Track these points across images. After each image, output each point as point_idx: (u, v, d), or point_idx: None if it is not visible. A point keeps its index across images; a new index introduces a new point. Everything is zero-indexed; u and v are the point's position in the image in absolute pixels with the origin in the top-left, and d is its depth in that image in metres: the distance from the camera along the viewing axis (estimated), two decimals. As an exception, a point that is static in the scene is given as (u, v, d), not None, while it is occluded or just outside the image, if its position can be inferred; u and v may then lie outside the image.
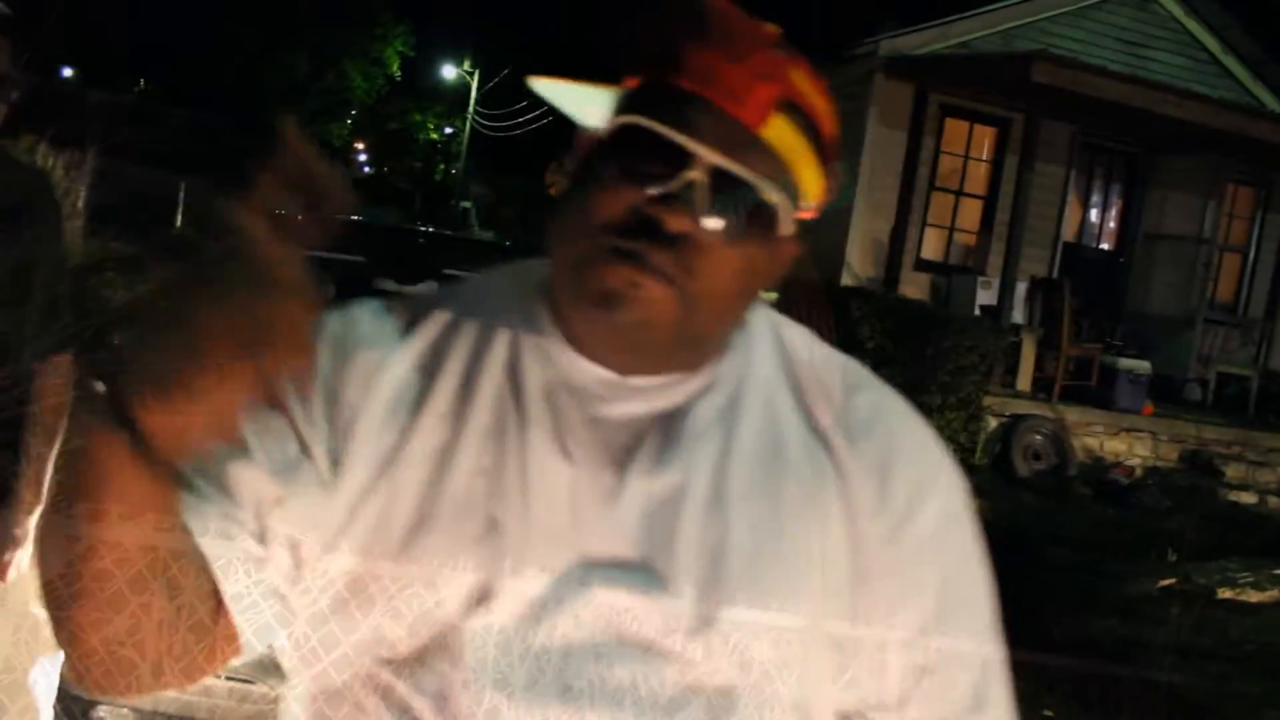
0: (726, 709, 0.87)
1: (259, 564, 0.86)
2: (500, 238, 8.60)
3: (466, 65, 42.47)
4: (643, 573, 0.87)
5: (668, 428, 0.90)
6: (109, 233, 14.73)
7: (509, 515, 0.87)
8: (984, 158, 12.03)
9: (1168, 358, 11.65)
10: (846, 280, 11.13)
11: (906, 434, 0.97)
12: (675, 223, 0.83)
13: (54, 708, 2.80)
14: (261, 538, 0.86)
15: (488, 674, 0.85)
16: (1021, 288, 10.55)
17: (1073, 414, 9.75)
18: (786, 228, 0.88)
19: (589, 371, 0.90)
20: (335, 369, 0.91)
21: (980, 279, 10.99)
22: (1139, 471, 9.72)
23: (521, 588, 0.86)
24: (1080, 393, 10.14)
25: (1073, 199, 12.33)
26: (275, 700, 2.80)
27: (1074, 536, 7.93)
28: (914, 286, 11.41)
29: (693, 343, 0.90)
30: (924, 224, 11.74)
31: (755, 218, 0.86)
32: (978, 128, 11.96)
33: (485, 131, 41.70)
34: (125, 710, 2.87)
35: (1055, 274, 11.59)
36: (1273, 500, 9.85)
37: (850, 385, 0.97)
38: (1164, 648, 5.80)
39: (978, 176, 12.03)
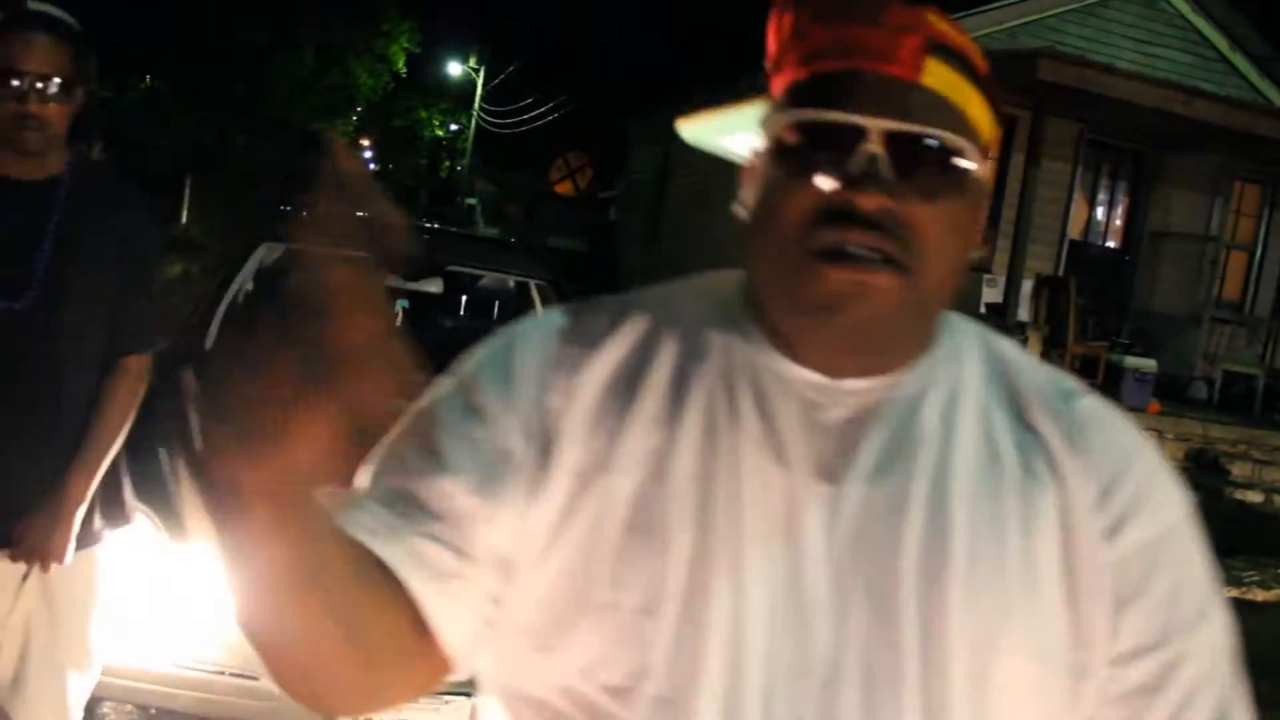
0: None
1: (463, 582, 0.85)
2: (505, 234, 8.60)
3: (472, 62, 42.47)
4: (862, 582, 0.84)
5: (884, 432, 0.87)
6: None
7: (721, 522, 0.84)
8: (989, 155, 12.01)
9: (1174, 356, 11.62)
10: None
11: (1127, 444, 0.93)
12: (869, 201, 0.81)
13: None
14: (464, 554, 0.85)
15: (703, 696, 0.82)
16: (1027, 286, 10.52)
17: (1079, 412, 9.73)
18: (976, 173, 0.87)
19: (801, 376, 0.88)
20: (532, 378, 0.89)
21: (986, 277, 10.97)
22: (1145, 470, 9.70)
23: (734, 599, 0.83)
24: (1086, 391, 10.12)
25: (1079, 197, 12.30)
26: (278, 696, 2.79)
27: (1079, 535, 7.92)
28: (919, 284, 11.40)
29: (914, 331, 0.89)
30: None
31: (945, 169, 0.84)
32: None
33: (490, 128, 41.71)
34: (129, 707, 2.87)
35: (1061, 272, 11.56)
36: (1279, 499, 9.82)
37: (1066, 393, 0.93)
38: (1170, 646, 5.79)
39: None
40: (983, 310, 10.21)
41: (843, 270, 0.81)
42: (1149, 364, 10.25)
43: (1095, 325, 10.98)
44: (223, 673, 2.83)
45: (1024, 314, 10.35)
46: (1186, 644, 0.88)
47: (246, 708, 2.83)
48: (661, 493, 0.85)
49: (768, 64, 0.91)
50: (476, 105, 40.68)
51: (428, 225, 7.31)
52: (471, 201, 33.51)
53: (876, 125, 0.81)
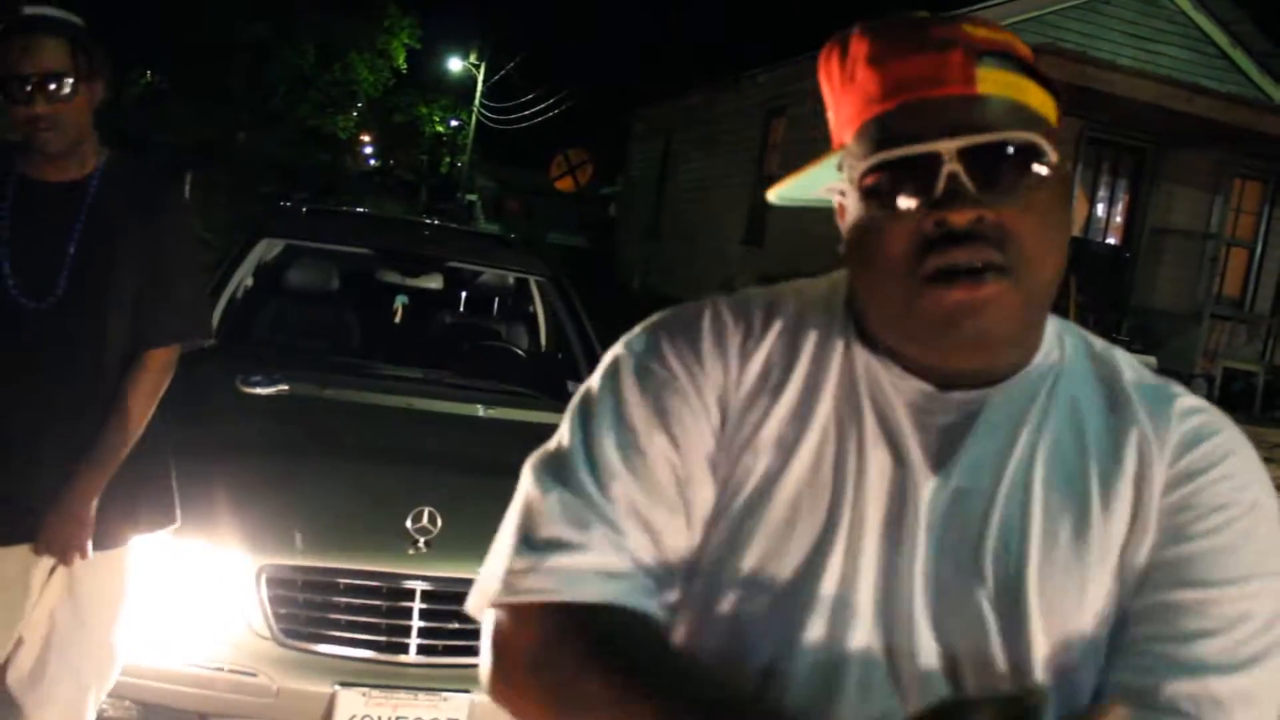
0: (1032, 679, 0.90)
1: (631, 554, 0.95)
2: (506, 230, 8.59)
3: (473, 58, 42.45)
4: (952, 561, 0.93)
5: (984, 434, 0.95)
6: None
7: (843, 504, 0.94)
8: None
9: (1174, 353, 11.62)
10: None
11: (1231, 458, 0.97)
12: (961, 218, 0.87)
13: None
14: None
15: (813, 644, 0.92)
16: (1027, 282, 10.53)
17: (1079, 409, 9.72)
18: (1057, 160, 0.92)
19: (914, 386, 0.97)
20: (713, 362, 1.00)
21: (986, 274, 10.98)
22: (1145, 467, 9.70)
23: (847, 570, 0.93)
24: (1086, 388, 10.11)
25: (1079, 193, 12.28)
26: (276, 693, 2.80)
27: (1079, 531, 7.91)
28: (920, 281, 11.39)
29: (1024, 333, 0.96)
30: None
31: (1024, 166, 0.89)
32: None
33: (491, 124, 41.70)
34: (128, 703, 2.87)
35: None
36: None
37: (1177, 402, 0.99)
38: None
39: (984, 171, 12.02)
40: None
41: (956, 289, 0.87)
42: (1149, 361, 10.24)
43: (1095, 322, 10.97)
44: (221, 669, 2.83)
45: (1024, 311, 10.36)
46: (1243, 592, 0.92)
47: (245, 704, 2.83)
48: (789, 476, 0.96)
49: (828, 111, 0.99)
50: (477, 101, 40.67)
51: (428, 221, 7.31)
52: (472, 198, 33.50)
53: (949, 147, 0.87)
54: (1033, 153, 0.90)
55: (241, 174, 22.57)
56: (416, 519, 3.00)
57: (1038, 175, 0.90)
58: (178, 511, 2.61)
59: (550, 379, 4.41)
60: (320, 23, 29.08)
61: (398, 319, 5.43)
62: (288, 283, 4.97)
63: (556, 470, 0.99)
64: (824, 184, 1.00)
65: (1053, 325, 1.02)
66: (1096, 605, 0.93)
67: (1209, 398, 6.13)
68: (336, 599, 2.94)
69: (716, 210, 15.81)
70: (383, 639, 2.91)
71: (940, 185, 0.87)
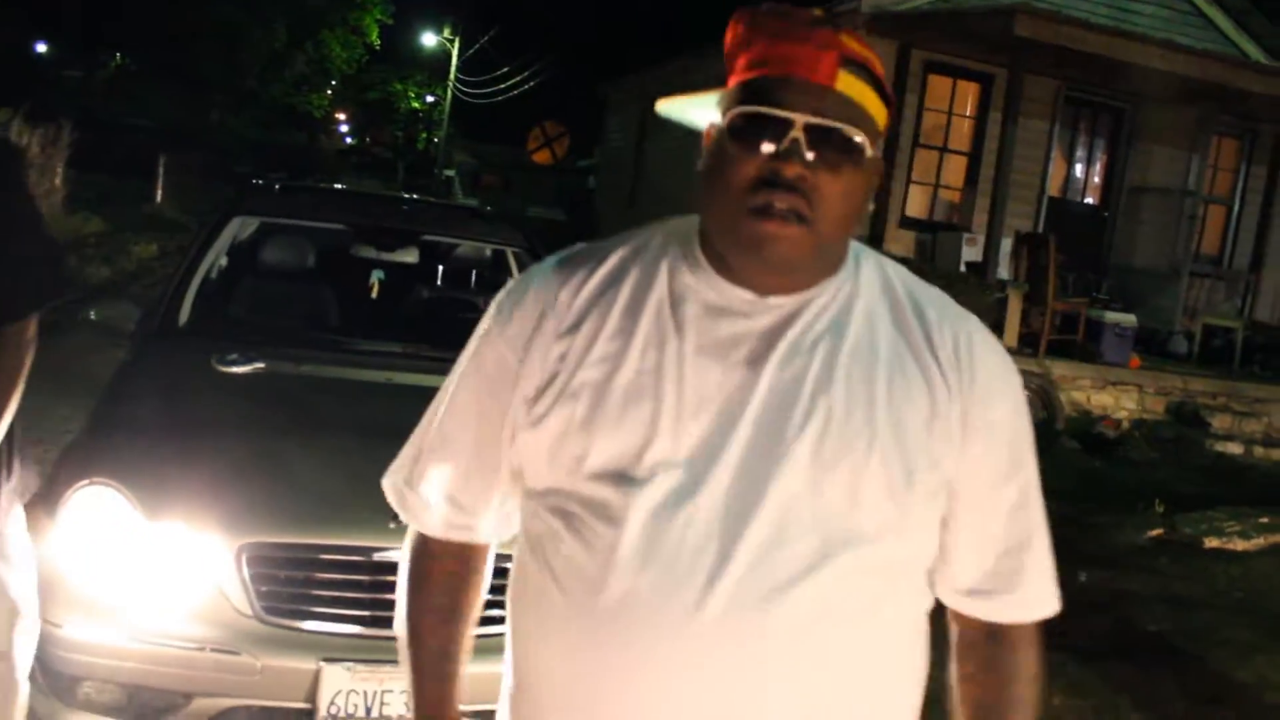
0: (842, 558, 1.17)
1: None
2: (484, 205, 8.54)
3: (446, 33, 42.11)
4: (769, 439, 1.18)
5: (794, 334, 1.21)
6: (88, 209, 14.63)
7: (666, 392, 1.19)
8: (968, 114, 11.98)
9: (1154, 311, 11.67)
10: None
11: (984, 346, 1.28)
12: (790, 171, 1.14)
13: (41, 684, 2.80)
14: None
15: (641, 503, 1.18)
16: (1007, 244, 10.53)
17: (1060, 368, 9.76)
18: (871, 154, 1.18)
19: (737, 295, 1.22)
20: (533, 310, 1.27)
21: (965, 235, 10.98)
22: (1126, 424, 9.75)
23: (675, 445, 1.18)
24: (1067, 347, 10.15)
25: (1057, 154, 12.30)
26: (261, 671, 2.79)
27: (1062, 490, 7.93)
28: (899, 244, 11.38)
29: (817, 262, 1.22)
30: (909, 181, 11.71)
31: (849, 151, 1.16)
32: (961, 83, 11.90)
33: (467, 99, 41.42)
34: (112, 686, 2.85)
35: (1040, 229, 11.58)
36: (1258, 450, 9.89)
37: (944, 313, 1.28)
38: (1153, 598, 5.83)
39: (962, 133, 11.99)
40: (963, 269, 10.22)
41: (768, 223, 1.15)
42: (1129, 319, 10.28)
43: (1075, 281, 11.01)
44: (204, 649, 2.81)
45: (1004, 272, 10.37)
46: (1009, 485, 1.27)
47: (229, 683, 2.82)
48: (617, 383, 1.21)
49: (726, 60, 1.22)
50: (452, 76, 40.37)
51: (405, 196, 7.26)
52: (449, 173, 33.32)
53: (800, 119, 1.14)
54: (855, 144, 1.16)
55: (216, 155, 22.38)
56: (396, 492, 2.98)
57: (853, 161, 1.17)
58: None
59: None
60: (291, 0, 28.80)
61: (374, 294, 5.39)
62: (262, 261, 4.92)
63: (433, 408, 1.43)
64: (698, 111, 1.27)
65: (853, 253, 1.28)
66: (882, 469, 1.18)
67: (1189, 355, 6.27)
68: (318, 575, 2.92)
69: (694, 180, 15.77)
70: (366, 613, 2.89)
71: (784, 143, 1.14)
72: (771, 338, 1.21)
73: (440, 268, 5.71)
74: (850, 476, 1.18)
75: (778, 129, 1.14)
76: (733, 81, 1.20)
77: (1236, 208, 13.18)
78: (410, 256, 5.47)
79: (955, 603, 1.31)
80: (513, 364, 1.27)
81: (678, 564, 1.15)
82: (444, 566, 1.42)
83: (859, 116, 1.16)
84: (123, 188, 18.06)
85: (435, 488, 1.37)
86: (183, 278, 4.33)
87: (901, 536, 1.21)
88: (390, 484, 1.45)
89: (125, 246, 13.34)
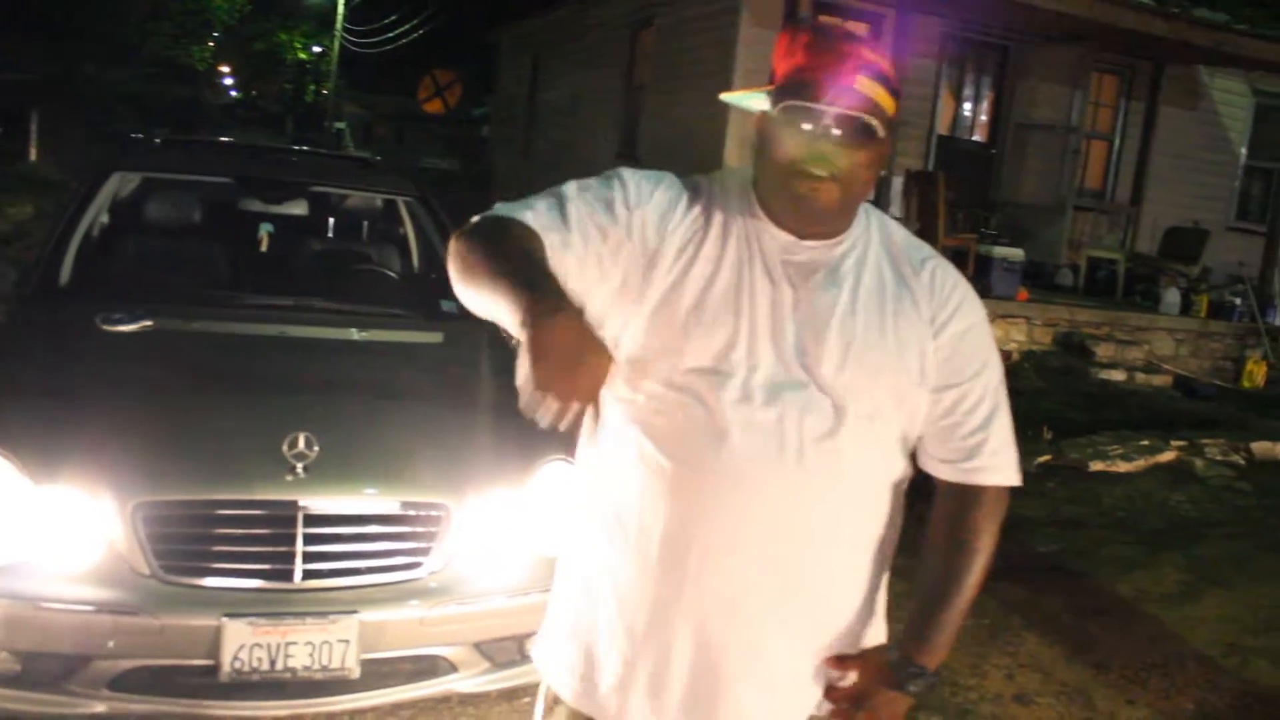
0: (856, 427, 1.62)
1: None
2: (374, 156, 8.38)
3: (331, -20, 40.96)
4: (818, 351, 1.63)
5: (826, 269, 1.67)
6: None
7: (743, 306, 1.63)
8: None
9: (1040, 245, 11.97)
10: (727, 182, 11.13)
11: (956, 282, 1.73)
12: (826, 147, 1.57)
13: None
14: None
15: (729, 392, 1.60)
16: (898, 182, 10.69)
17: (951, 303, 9.95)
18: (882, 134, 1.60)
19: (782, 237, 1.66)
20: (662, 204, 1.67)
21: (858, 175, 11.09)
22: (1016, 355, 10.02)
23: (750, 348, 1.62)
24: (958, 282, 10.35)
25: (945, 92, 12.48)
26: (161, 630, 2.75)
27: (955, 421, 8.16)
28: (794, 186, 11.47)
29: (841, 215, 1.67)
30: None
31: (867, 135, 1.59)
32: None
33: (355, 49, 40.44)
34: (4, 654, 2.79)
35: (930, 167, 11.77)
36: (1140, 376, 10.26)
37: (927, 254, 1.75)
38: (1043, 520, 6.05)
39: (852, 73, 12.09)
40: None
41: (811, 182, 1.59)
42: (1017, 253, 10.54)
43: (964, 218, 11.23)
44: (102, 611, 2.77)
45: (896, 210, 10.53)
46: (969, 359, 1.70)
47: (129, 644, 2.78)
48: (713, 292, 1.63)
49: (774, 63, 1.67)
50: (339, 25, 39.34)
51: (295, 148, 7.10)
52: (340, 125, 32.61)
53: (832, 110, 1.57)
54: (870, 127, 1.58)
55: (93, 111, 21.56)
56: (293, 444, 2.96)
57: (870, 140, 1.59)
58: None
59: (423, 299, 4.35)
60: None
61: (264, 247, 5.29)
62: (146, 217, 4.80)
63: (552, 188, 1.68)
64: (754, 102, 1.67)
65: (863, 211, 1.72)
66: (888, 377, 1.64)
67: (1074, 287, 6.55)
68: (216, 530, 2.90)
69: (589, 125, 15.68)
70: (267, 567, 2.88)
71: (820, 127, 1.57)
72: (810, 270, 1.66)
73: (331, 219, 5.62)
74: (866, 374, 1.63)
75: (816, 116, 1.57)
76: (779, 78, 1.62)
77: (1117, 143, 13.53)
78: (299, 209, 5.37)
79: (935, 469, 1.74)
80: (640, 218, 1.65)
81: (764, 433, 1.59)
82: (523, 233, 1.58)
83: (872, 108, 1.58)
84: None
85: (538, 212, 1.62)
86: (61, 236, 4.20)
87: (898, 417, 1.67)
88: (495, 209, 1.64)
89: (-1, 207, 12.85)
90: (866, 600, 1.74)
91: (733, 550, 1.61)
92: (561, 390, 1.34)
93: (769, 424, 1.59)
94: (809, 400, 1.60)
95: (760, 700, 1.67)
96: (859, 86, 1.57)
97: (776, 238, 1.65)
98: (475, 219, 1.60)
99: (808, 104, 1.56)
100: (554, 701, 1.79)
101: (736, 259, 1.64)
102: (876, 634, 1.79)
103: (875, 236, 1.72)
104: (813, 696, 1.71)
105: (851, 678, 1.72)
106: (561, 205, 1.61)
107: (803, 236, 1.65)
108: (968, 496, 1.73)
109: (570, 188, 1.65)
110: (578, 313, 1.40)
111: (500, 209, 1.61)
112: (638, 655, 1.67)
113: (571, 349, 1.36)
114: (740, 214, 1.67)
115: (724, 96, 1.78)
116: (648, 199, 1.65)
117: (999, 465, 1.72)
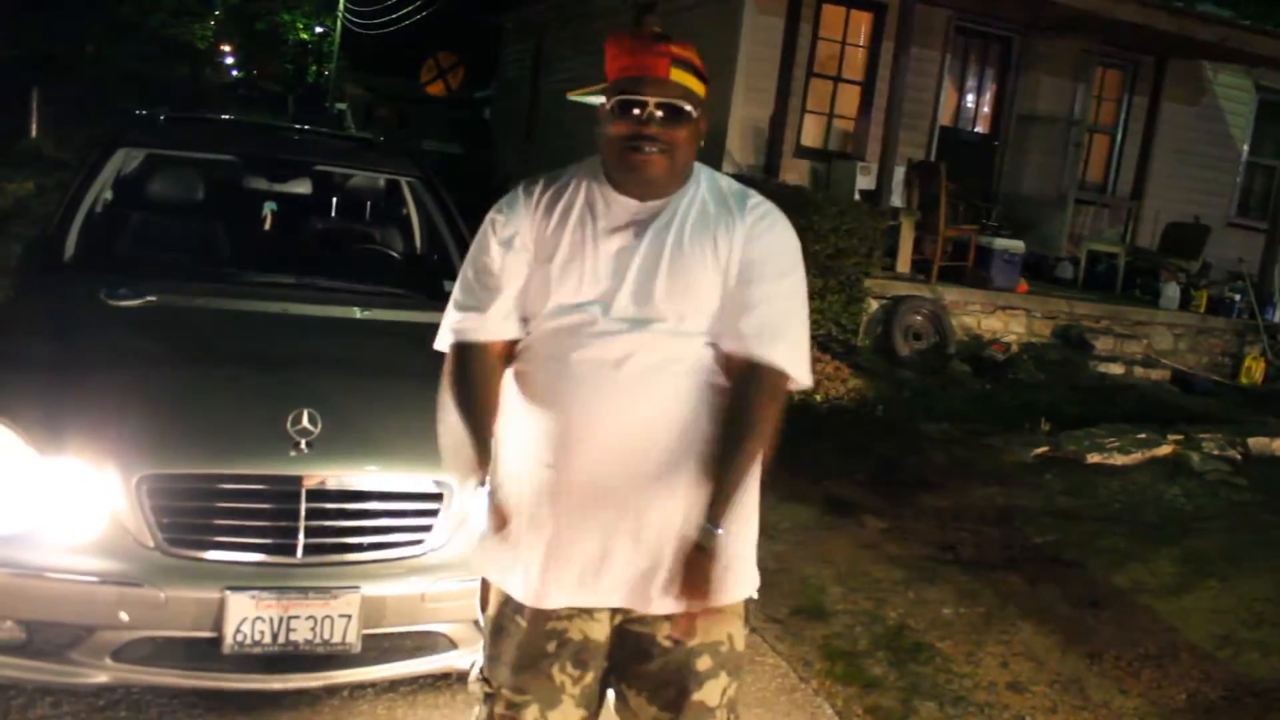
0: (689, 342, 2.06)
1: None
2: (377, 136, 8.33)
3: (334, -40, 40.77)
4: (650, 283, 2.05)
5: (659, 221, 2.08)
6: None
7: (587, 260, 2.06)
8: (861, 43, 12.05)
9: (1041, 237, 11.98)
10: (727, 168, 11.12)
11: (770, 210, 2.16)
12: (649, 129, 2.02)
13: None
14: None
15: (583, 322, 2.04)
16: (900, 172, 10.69)
17: (951, 294, 9.99)
18: (698, 115, 2.08)
19: (625, 201, 2.10)
20: (521, 211, 2.13)
21: (859, 164, 11.10)
22: (1014, 347, 10.04)
23: (592, 298, 2.05)
24: (958, 273, 10.38)
25: (948, 83, 12.47)
26: (165, 602, 2.77)
27: (954, 411, 8.19)
28: (794, 173, 11.47)
29: (670, 179, 2.09)
30: (803, 110, 11.76)
31: (683, 115, 2.05)
32: (854, 13, 11.95)
33: (358, 30, 40.29)
34: (9, 623, 2.81)
35: (932, 158, 11.76)
36: (1138, 370, 10.28)
37: (750, 195, 2.17)
38: (1039, 511, 6.08)
39: (855, 62, 12.07)
40: (857, 197, 10.34)
41: (639, 155, 2.04)
42: (1017, 245, 10.55)
43: (965, 209, 11.23)
44: (106, 582, 2.79)
45: (897, 200, 10.53)
46: (764, 260, 2.10)
47: (133, 615, 2.80)
48: (560, 251, 2.08)
49: (606, 63, 2.09)
50: (341, 5, 39.20)
51: (297, 126, 7.09)
52: (341, 107, 32.50)
53: (652, 99, 2.03)
54: (684, 111, 2.04)
55: (94, 89, 21.49)
56: (296, 420, 2.97)
57: (686, 119, 2.06)
58: None
59: (425, 279, 4.36)
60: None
61: (267, 226, 5.29)
62: (150, 194, 4.80)
63: (462, 268, 2.19)
64: (596, 98, 2.07)
65: (694, 170, 2.15)
66: (706, 288, 2.06)
67: (1074, 280, 6.66)
68: (220, 505, 2.91)
69: (590, 110, 15.63)
70: (269, 541, 2.89)
71: (644, 114, 2.03)
72: (646, 223, 2.09)
73: (334, 199, 5.62)
74: (690, 294, 2.05)
75: (640, 107, 2.02)
76: (611, 77, 2.07)
77: (1120, 137, 13.53)
78: (303, 188, 5.37)
79: (731, 346, 2.06)
80: (517, 237, 2.10)
81: (607, 349, 2.02)
82: (480, 360, 2.12)
83: (685, 95, 2.05)
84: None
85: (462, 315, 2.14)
86: (66, 211, 4.21)
87: (712, 314, 2.07)
88: (444, 328, 2.18)
89: (0, 185, 12.83)
90: (698, 476, 2.04)
91: (590, 440, 2.01)
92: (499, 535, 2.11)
93: (618, 342, 2.02)
94: (641, 323, 2.03)
95: (629, 571, 2.06)
96: (672, 78, 2.02)
97: (621, 202, 2.09)
98: (442, 347, 2.21)
99: (634, 97, 2.01)
100: (486, 585, 2.22)
101: (583, 223, 2.08)
102: (748, 516, 2.18)
103: (704, 185, 2.14)
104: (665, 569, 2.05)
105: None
106: (478, 301, 2.11)
107: (642, 199, 2.09)
108: (752, 378, 2.05)
109: (470, 276, 2.15)
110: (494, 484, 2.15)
111: (444, 333, 2.19)
112: (535, 537, 2.07)
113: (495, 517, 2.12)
114: (591, 189, 2.11)
115: (570, 95, 2.36)
116: (509, 223, 2.12)
117: (795, 361, 2.07)
